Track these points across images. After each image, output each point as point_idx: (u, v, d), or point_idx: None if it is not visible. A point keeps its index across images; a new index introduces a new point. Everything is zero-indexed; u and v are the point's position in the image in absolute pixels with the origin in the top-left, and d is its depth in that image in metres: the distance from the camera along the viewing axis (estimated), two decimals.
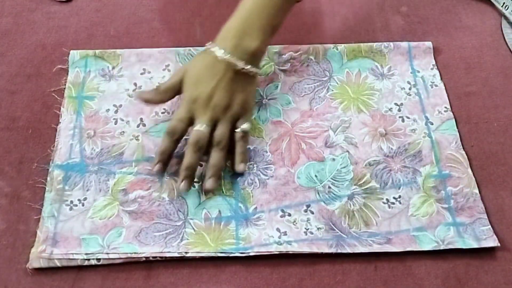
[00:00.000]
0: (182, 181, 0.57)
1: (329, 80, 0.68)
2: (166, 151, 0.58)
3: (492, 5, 0.77)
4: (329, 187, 0.60)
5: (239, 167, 0.59)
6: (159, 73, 0.68)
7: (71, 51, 0.69)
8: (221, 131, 0.58)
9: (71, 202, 0.58)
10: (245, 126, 0.60)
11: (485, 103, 0.67)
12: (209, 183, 0.57)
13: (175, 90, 0.61)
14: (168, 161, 0.59)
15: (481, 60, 0.71)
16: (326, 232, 0.56)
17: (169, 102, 0.65)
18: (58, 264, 0.54)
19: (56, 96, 0.66)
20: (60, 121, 0.64)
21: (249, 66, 0.59)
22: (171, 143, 0.58)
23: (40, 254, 0.54)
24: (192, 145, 0.57)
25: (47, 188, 0.59)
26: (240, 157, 0.60)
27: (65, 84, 0.67)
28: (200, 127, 0.58)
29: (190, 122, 0.59)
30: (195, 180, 0.60)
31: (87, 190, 0.59)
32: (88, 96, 0.66)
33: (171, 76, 0.62)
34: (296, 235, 0.56)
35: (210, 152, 0.59)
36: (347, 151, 0.62)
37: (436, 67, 0.69)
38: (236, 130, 0.60)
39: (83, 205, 0.58)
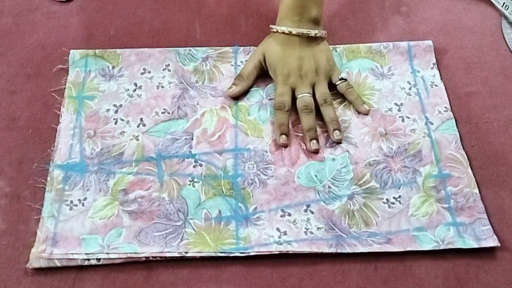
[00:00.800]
0: (310, 141, 0.62)
1: None
2: (284, 122, 0.63)
3: (492, 5, 0.77)
4: (329, 187, 0.60)
5: (364, 108, 0.65)
6: (159, 72, 0.68)
7: (71, 51, 0.69)
8: (321, 90, 0.65)
9: (71, 202, 0.58)
10: (342, 75, 0.66)
11: (485, 103, 0.67)
12: (336, 135, 0.62)
13: (256, 72, 0.67)
14: (289, 132, 0.63)
15: (481, 60, 0.71)
16: (326, 232, 0.56)
17: (169, 102, 0.65)
18: (58, 264, 0.54)
19: (56, 96, 0.66)
20: (60, 121, 0.64)
21: (317, 31, 0.66)
22: (284, 114, 0.63)
23: (40, 254, 0.54)
24: (303, 109, 0.63)
25: (47, 188, 0.59)
26: (359, 100, 0.65)
27: (65, 84, 0.67)
28: (302, 94, 0.64)
29: (291, 93, 0.65)
30: (195, 180, 0.60)
31: (87, 190, 0.59)
32: (88, 96, 0.66)
33: (248, 61, 0.68)
34: (296, 235, 0.56)
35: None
36: (347, 151, 0.62)
37: (436, 66, 0.69)
38: (337, 84, 0.66)
39: (83, 205, 0.58)
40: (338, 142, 0.62)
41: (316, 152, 0.62)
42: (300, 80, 0.65)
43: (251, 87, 0.67)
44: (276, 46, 0.66)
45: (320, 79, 0.66)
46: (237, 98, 0.66)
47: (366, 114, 0.65)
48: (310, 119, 0.63)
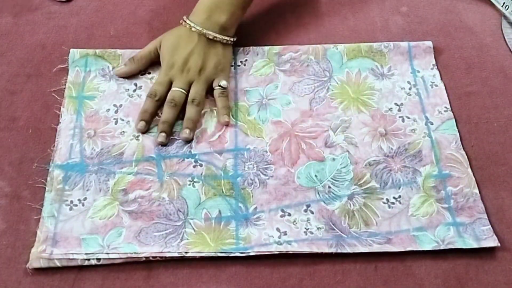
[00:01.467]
0: (159, 133, 0.62)
1: (329, 80, 0.68)
2: (148, 110, 0.63)
3: (492, 5, 0.77)
4: (329, 187, 0.60)
5: (223, 118, 0.64)
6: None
7: (71, 50, 0.69)
8: (195, 89, 0.65)
9: (71, 202, 0.58)
10: (222, 82, 0.65)
11: (485, 103, 0.67)
12: (185, 134, 0.62)
13: (150, 58, 0.68)
14: (150, 120, 0.63)
15: (481, 60, 0.71)
16: (326, 232, 0.56)
17: None
18: (58, 264, 0.54)
19: (56, 96, 0.66)
20: (60, 121, 0.64)
21: (220, 36, 0.66)
22: (152, 103, 0.64)
23: (40, 254, 0.54)
24: (168, 102, 0.63)
25: (47, 188, 0.59)
26: (223, 111, 0.64)
27: (65, 84, 0.67)
28: (176, 88, 0.64)
29: (170, 85, 0.65)
30: (195, 180, 0.60)
31: (87, 190, 0.59)
32: (88, 96, 0.66)
33: (146, 46, 0.68)
34: (296, 235, 0.56)
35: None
36: (347, 151, 0.62)
37: (436, 67, 0.70)
38: (214, 88, 0.66)
39: (83, 205, 0.58)
40: (187, 141, 0.62)
41: (162, 144, 0.62)
42: (181, 75, 0.65)
43: (143, 71, 0.68)
44: (173, 36, 0.66)
45: (200, 79, 0.65)
46: (238, 98, 0.66)
47: (225, 125, 0.64)
48: (170, 113, 0.63)
